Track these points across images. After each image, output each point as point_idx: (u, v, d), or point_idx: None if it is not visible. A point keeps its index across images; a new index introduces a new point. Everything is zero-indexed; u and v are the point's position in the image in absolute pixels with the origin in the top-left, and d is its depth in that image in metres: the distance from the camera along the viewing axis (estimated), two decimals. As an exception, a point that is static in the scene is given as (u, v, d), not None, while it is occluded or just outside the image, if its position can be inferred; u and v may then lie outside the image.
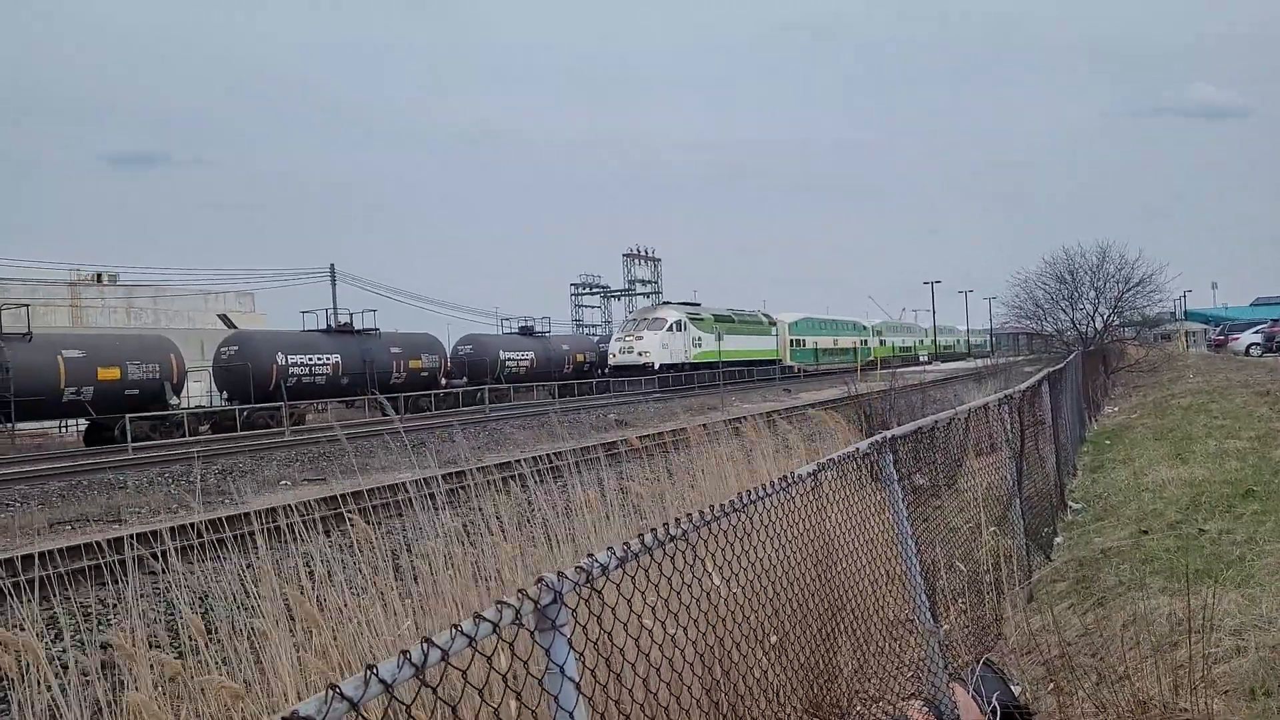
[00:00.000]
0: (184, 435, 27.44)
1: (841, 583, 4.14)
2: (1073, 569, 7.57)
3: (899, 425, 6.50)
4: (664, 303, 56.73)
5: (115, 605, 6.13)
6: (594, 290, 76.23)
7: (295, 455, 19.62)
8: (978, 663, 4.89)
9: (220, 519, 7.31)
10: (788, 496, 3.36)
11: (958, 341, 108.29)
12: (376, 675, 1.39)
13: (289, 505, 6.09)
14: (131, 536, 7.44)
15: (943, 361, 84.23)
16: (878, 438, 4.59)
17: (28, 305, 28.38)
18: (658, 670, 2.39)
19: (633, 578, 2.26)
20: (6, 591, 4.47)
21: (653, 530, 2.36)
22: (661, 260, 78.41)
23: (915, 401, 16.43)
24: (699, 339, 53.72)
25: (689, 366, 52.23)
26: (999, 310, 56.76)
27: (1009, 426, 7.40)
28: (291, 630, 3.89)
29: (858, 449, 4.41)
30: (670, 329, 51.58)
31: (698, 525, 2.56)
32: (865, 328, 79.84)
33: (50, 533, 12.08)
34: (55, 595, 5.16)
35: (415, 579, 4.63)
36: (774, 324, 63.79)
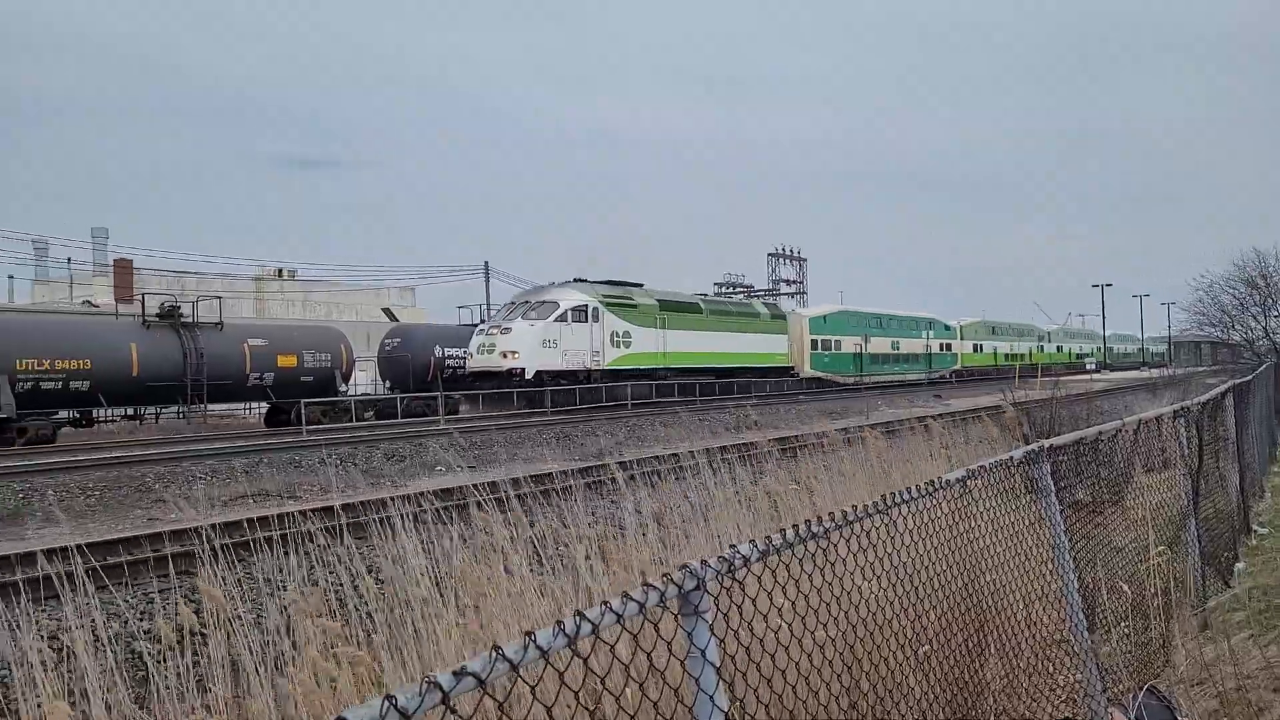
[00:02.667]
0: (351, 420, 29.26)
1: (990, 596, 4.02)
2: (1256, 597, 7.00)
3: (1059, 435, 6.20)
4: (576, 280, 34.81)
5: (286, 574, 6.64)
6: (737, 290, 76.07)
7: (450, 443, 20.58)
8: (1141, 690, 4.62)
9: (385, 499, 7.82)
10: (933, 502, 3.31)
11: (1136, 350, 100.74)
12: (534, 641, 1.51)
13: (441, 490, 6.46)
14: (308, 511, 8.04)
15: (1112, 370, 78.28)
16: (1033, 447, 4.42)
17: (220, 297, 31.06)
18: (796, 665, 2.43)
19: (773, 571, 2.31)
20: (205, 555, 4.97)
21: (794, 526, 2.40)
22: (807, 260, 77.23)
23: (1079, 412, 15.55)
24: (624, 335, 34.15)
25: (604, 375, 33.00)
26: (1178, 317, 52.37)
27: (1185, 442, 6.92)
28: (457, 603, 4.14)
29: (1010, 457, 4.27)
30: (564, 318, 31.78)
31: (839, 525, 2.57)
32: (948, 327, 62.44)
33: (236, 504, 13.19)
34: (232, 563, 5.67)
35: (561, 564, 4.82)
36: (781, 318, 45.21)
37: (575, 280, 34.44)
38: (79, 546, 5.64)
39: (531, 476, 8.28)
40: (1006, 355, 64.72)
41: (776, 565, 2.33)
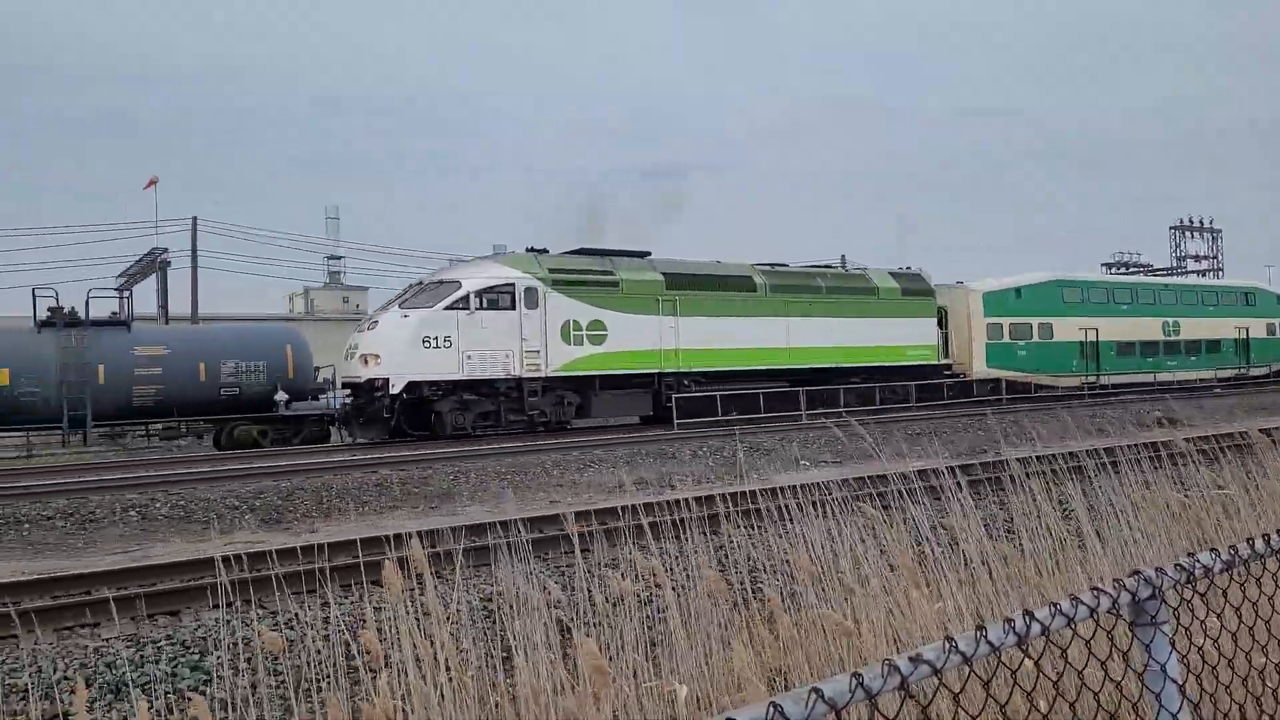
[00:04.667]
0: (715, 415, 30.45)
1: None
2: None
3: None
4: (529, 250, 23.50)
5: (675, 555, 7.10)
6: (1134, 269, 67.56)
7: (811, 438, 20.67)
8: None
9: (766, 489, 8.09)
10: None
11: None
12: (985, 636, 1.48)
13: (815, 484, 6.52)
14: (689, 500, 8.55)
15: None
16: None
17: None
18: (1275, 694, 2.12)
19: (1242, 585, 2.04)
20: (623, 532, 5.49)
21: (1264, 536, 2.09)
22: (1221, 232, 66.64)
23: None
24: (591, 326, 22.66)
25: (546, 384, 21.96)
26: None
27: None
28: (887, 590, 4.18)
29: None
30: (463, 304, 20.94)
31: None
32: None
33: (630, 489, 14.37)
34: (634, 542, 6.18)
35: (964, 563, 4.65)
36: (923, 293, 29.05)
37: (519, 252, 23.23)
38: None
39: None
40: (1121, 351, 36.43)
41: (1245, 580, 2.05)
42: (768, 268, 26.71)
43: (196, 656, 5.74)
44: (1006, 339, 30.97)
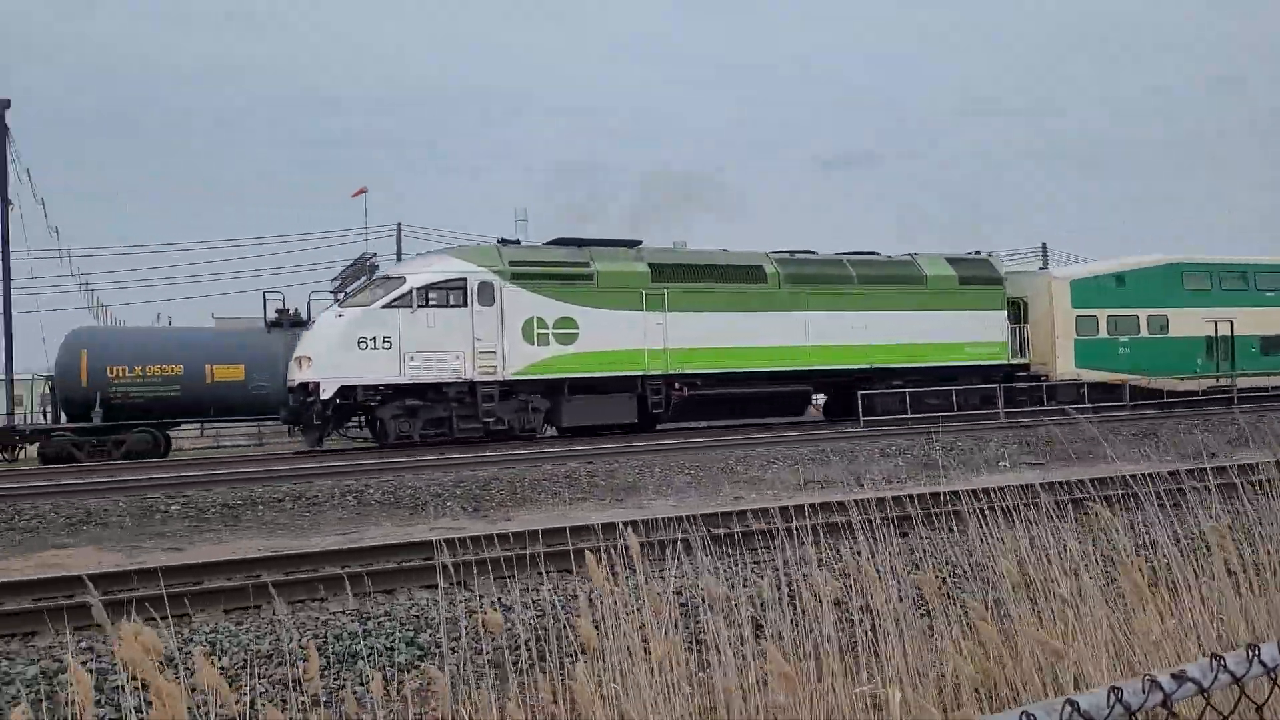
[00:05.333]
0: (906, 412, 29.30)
1: None
2: None
3: None
4: (472, 245, 24.42)
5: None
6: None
7: (1010, 437, 19.61)
8: None
9: (958, 491, 7.76)
10: None
11: None
12: (1258, 656, 1.35)
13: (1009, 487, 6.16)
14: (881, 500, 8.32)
15: None
16: None
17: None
18: None
19: None
20: (812, 530, 5.44)
21: None
22: None
23: None
24: (559, 323, 20.43)
25: (505, 388, 19.99)
26: None
27: None
28: (1108, 601, 3.94)
29: None
30: (405, 302, 19.25)
31: None
32: None
33: (804, 489, 14.18)
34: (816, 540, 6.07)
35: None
36: (989, 282, 25.17)
37: (481, 244, 21.86)
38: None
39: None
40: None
41: None
42: (786, 255, 23.64)
43: (411, 633, 6.17)
44: (1103, 334, 26.02)
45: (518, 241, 21.82)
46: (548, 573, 6.70)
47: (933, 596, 4.07)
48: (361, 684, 4.95)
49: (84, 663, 5.32)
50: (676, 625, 4.49)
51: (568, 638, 4.54)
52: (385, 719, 4.01)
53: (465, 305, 19.58)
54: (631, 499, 13.60)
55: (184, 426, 26.64)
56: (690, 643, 4.32)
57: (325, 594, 7.22)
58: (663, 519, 7.61)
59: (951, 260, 25.32)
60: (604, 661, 3.68)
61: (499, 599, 6.33)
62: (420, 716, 4.36)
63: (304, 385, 18.75)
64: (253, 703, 4.44)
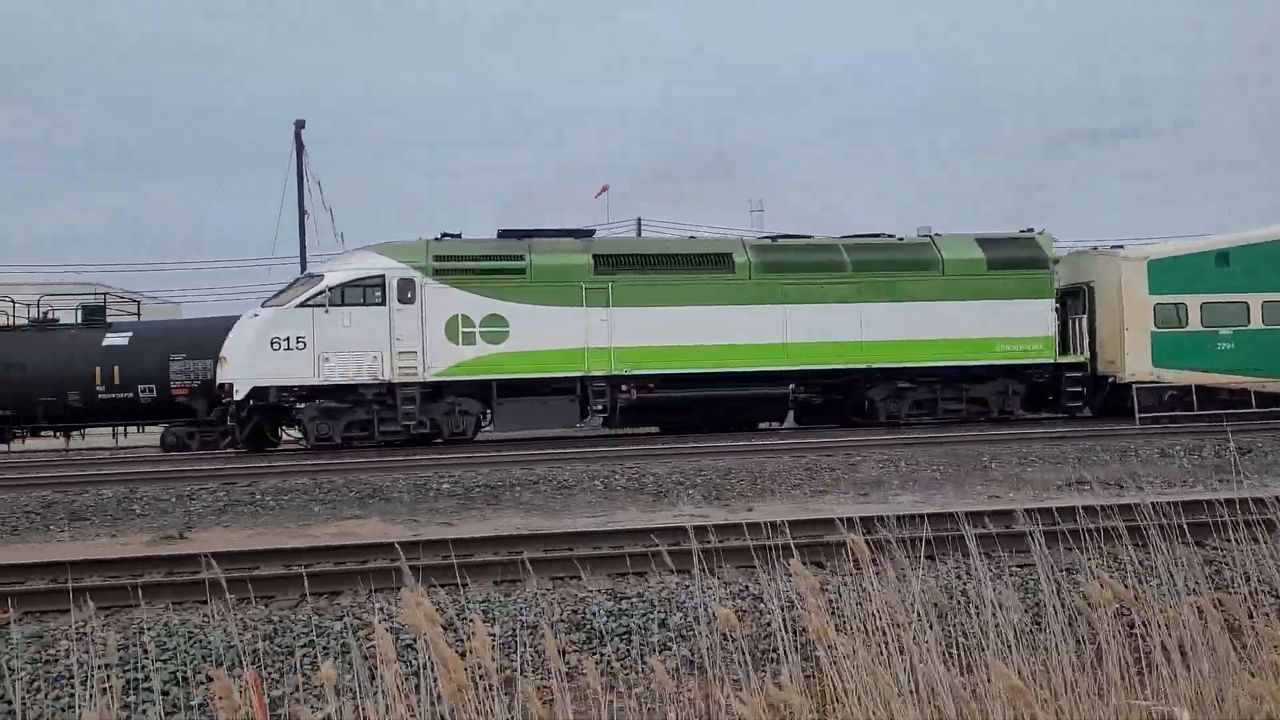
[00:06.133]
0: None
1: None
2: None
3: None
4: (395, 241, 19.90)
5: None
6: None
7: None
8: None
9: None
10: None
11: None
12: None
13: None
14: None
15: None
16: None
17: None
18: None
19: None
20: (1082, 535, 5.06)
21: None
22: None
23: None
24: (487, 321, 19.10)
25: (427, 391, 18.93)
26: None
27: None
28: None
29: None
30: (318, 301, 18.62)
31: None
32: None
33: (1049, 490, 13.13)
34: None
35: None
36: (1032, 266, 20.81)
37: (406, 240, 19.79)
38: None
39: None
40: None
41: None
42: (766, 241, 21.25)
43: (663, 615, 6.40)
44: (1196, 325, 21.23)
45: (458, 235, 20.43)
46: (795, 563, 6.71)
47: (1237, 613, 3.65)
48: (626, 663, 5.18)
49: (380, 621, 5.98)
50: (931, 625, 4.34)
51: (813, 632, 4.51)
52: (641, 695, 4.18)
53: (383, 304, 18.86)
54: (876, 493, 13.24)
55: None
56: (948, 645, 4.17)
57: (579, 573, 7.63)
58: (913, 516, 7.34)
59: (983, 241, 21.42)
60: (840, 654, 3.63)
61: (746, 587, 6.40)
62: (679, 694, 4.51)
63: (222, 386, 18.64)
64: (521, 668, 4.80)
